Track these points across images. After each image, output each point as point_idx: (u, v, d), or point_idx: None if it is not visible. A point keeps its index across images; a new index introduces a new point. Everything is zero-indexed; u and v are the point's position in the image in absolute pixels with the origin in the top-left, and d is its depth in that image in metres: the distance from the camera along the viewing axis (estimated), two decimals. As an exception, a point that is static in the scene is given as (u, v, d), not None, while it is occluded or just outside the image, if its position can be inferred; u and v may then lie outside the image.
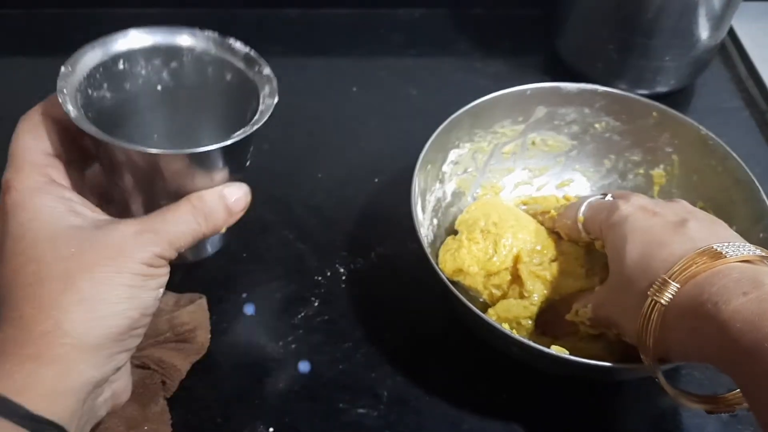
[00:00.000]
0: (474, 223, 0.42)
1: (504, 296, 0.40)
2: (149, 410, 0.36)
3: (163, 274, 0.29)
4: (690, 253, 0.30)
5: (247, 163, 0.37)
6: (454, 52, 0.63)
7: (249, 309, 0.43)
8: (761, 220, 0.38)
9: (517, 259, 0.40)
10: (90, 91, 0.34)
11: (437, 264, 0.39)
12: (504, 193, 0.47)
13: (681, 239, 0.32)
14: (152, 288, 0.28)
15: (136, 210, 0.35)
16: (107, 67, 0.35)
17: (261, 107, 0.34)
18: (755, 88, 0.60)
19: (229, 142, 0.31)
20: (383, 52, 0.63)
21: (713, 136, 0.42)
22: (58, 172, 0.30)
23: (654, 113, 0.43)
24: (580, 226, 0.39)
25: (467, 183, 0.46)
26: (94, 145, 0.32)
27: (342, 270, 0.45)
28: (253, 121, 0.33)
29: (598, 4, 0.54)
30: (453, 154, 0.44)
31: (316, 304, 0.43)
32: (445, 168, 0.44)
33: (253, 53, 0.37)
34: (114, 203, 0.34)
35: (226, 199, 0.32)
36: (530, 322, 0.39)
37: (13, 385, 0.25)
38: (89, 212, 0.29)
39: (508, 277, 0.40)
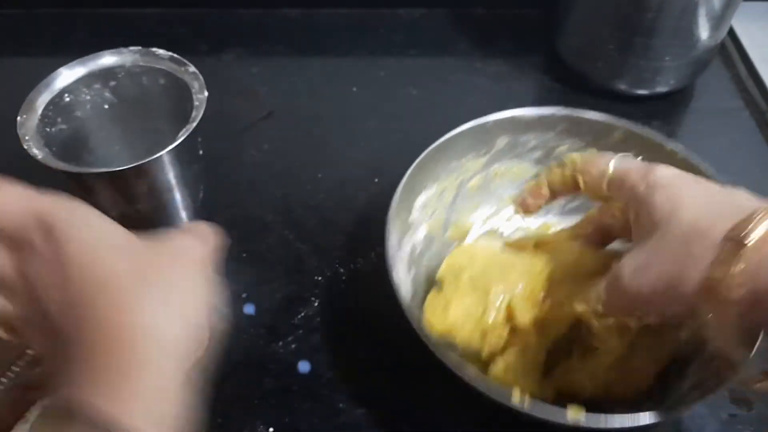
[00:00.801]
0: (458, 275, 0.40)
1: (507, 345, 0.38)
2: (149, 410, 0.36)
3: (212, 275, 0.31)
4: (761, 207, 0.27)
5: (200, 153, 0.42)
6: (454, 52, 0.63)
7: (249, 309, 0.43)
8: None
9: (510, 313, 0.38)
10: (48, 129, 0.40)
11: (422, 323, 0.37)
12: (474, 228, 0.46)
13: (746, 195, 0.29)
14: (209, 285, 0.30)
15: (114, 216, 0.39)
16: (55, 103, 0.40)
17: (195, 102, 0.40)
18: (755, 88, 0.60)
19: (175, 144, 0.38)
20: (383, 52, 0.63)
21: (683, 148, 0.41)
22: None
23: (617, 132, 0.43)
24: (605, 181, 0.36)
25: (437, 225, 0.44)
26: (67, 177, 0.38)
27: (342, 270, 0.45)
28: (192, 117, 0.39)
29: (599, 4, 0.54)
30: (421, 199, 0.42)
31: (316, 304, 0.43)
32: (415, 214, 0.42)
33: (175, 56, 0.42)
34: None
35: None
36: (539, 367, 0.37)
37: (112, 396, 0.24)
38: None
39: (506, 332, 0.38)
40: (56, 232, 0.27)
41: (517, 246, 0.42)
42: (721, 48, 0.63)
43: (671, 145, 0.41)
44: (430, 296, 0.40)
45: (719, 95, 0.60)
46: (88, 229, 0.28)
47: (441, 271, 0.41)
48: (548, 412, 0.31)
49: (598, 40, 0.55)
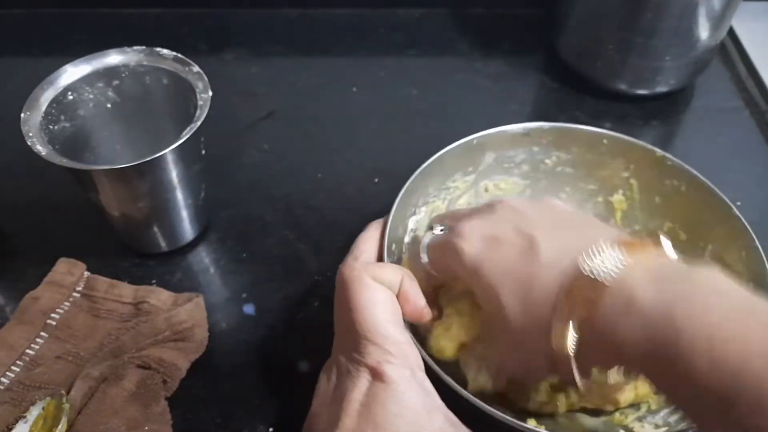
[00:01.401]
0: (455, 295, 0.39)
1: None
2: (150, 411, 0.37)
3: None
4: (561, 290, 0.29)
5: (203, 152, 0.42)
6: (454, 52, 0.63)
7: (249, 309, 0.43)
8: (739, 238, 0.37)
9: None
10: (51, 127, 0.40)
11: (432, 351, 0.36)
12: None
13: (543, 269, 0.30)
14: None
15: (116, 215, 0.42)
16: (59, 101, 0.40)
17: (199, 102, 0.40)
18: (755, 88, 0.60)
19: (179, 142, 0.38)
20: (383, 52, 0.63)
21: (671, 157, 0.41)
22: (410, 348, 0.31)
23: (604, 140, 0.43)
24: (432, 272, 0.36)
25: None
26: (71, 174, 0.38)
27: (342, 270, 0.45)
28: (196, 116, 0.39)
29: (598, 3, 0.54)
30: (412, 223, 0.42)
31: (316, 304, 0.43)
32: (407, 239, 0.41)
33: (179, 55, 0.42)
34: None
35: None
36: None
37: None
38: (439, 413, 0.30)
39: None
40: (380, 391, 0.29)
41: None
42: (721, 48, 0.63)
43: (661, 152, 0.41)
44: (435, 327, 0.39)
45: (719, 95, 0.60)
46: (404, 407, 0.29)
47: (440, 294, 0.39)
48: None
49: (597, 40, 0.55)
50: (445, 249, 0.35)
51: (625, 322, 0.27)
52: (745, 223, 0.38)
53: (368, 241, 0.36)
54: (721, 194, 0.39)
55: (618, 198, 0.44)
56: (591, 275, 0.28)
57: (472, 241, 0.33)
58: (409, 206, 0.41)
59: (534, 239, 0.31)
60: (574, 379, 0.30)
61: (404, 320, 0.33)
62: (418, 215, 0.42)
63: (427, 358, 0.32)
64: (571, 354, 0.29)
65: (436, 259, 0.36)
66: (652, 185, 0.43)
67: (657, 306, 0.26)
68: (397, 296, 0.33)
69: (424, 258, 0.37)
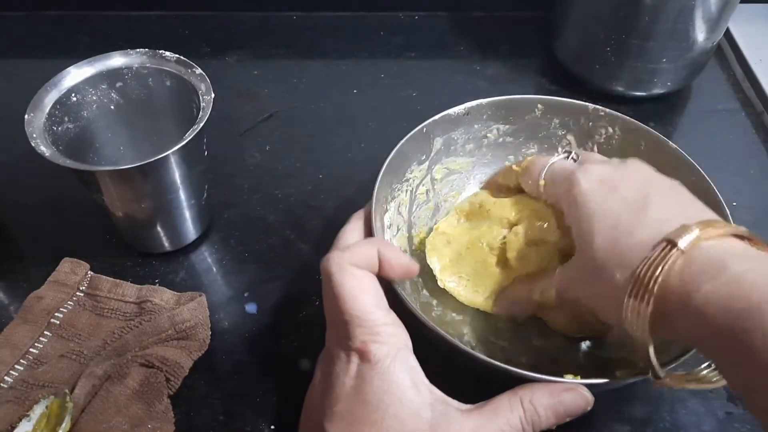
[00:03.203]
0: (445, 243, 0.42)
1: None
2: (153, 409, 0.37)
3: None
4: (657, 247, 0.29)
5: (205, 153, 0.42)
6: (453, 55, 0.63)
7: (251, 308, 0.43)
8: (677, 167, 0.40)
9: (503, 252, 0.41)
10: (55, 128, 0.40)
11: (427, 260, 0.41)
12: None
13: (647, 224, 0.31)
14: None
15: (119, 215, 0.42)
16: (62, 103, 0.41)
17: (202, 103, 0.40)
18: (751, 90, 0.60)
19: (182, 143, 0.38)
20: (383, 55, 0.63)
21: (602, 108, 0.44)
22: (397, 328, 0.32)
23: (539, 105, 0.45)
24: (541, 189, 0.39)
25: (403, 239, 0.44)
26: (75, 175, 0.38)
27: (343, 269, 0.45)
28: (198, 118, 0.39)
29: (595, 6, 0.55)
30: (386, 220, 0.42)
31: (317, 303, 0.44)
32: (387, 234, 0.42)
33: (182, 58, 0.43)
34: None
35: (558, 407, 0.32)
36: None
37: None
38: (425, 387, 0.31)
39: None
40: (365, 371, 0.30)
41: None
42: (718, 50, 0.63)
43: (593, 106, 0.45)
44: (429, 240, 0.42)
45: (716, 97, 0.60)
46: (391, 383, 0.30)
47: (429, 252, 0.42)
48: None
49: (594, 42, 0.56)
50: (563, 178, 0.36)
51: (708, 287, 0.27)
52: (679, 150, 0.41)
53: (351, 232, 0.36)
54: (653, 131, 0.43)
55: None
56: (675, 240, 0.28)
57: (591, 179, 0.34)
58: (381, 203, 0.42)
59: (649, 198, 0.32)
60: (638, 341, 0.30)
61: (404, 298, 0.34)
62: (390, 210, 0.43)
63: (422, 316, 0.33)
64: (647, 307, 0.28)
65: (550, 183, 0.39)
66: (588, 136, 0.46)
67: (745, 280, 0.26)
68: (381, 266, 0.33)
69: (542, 176, 0.39)
